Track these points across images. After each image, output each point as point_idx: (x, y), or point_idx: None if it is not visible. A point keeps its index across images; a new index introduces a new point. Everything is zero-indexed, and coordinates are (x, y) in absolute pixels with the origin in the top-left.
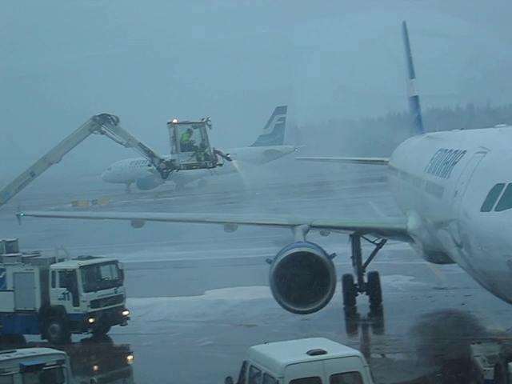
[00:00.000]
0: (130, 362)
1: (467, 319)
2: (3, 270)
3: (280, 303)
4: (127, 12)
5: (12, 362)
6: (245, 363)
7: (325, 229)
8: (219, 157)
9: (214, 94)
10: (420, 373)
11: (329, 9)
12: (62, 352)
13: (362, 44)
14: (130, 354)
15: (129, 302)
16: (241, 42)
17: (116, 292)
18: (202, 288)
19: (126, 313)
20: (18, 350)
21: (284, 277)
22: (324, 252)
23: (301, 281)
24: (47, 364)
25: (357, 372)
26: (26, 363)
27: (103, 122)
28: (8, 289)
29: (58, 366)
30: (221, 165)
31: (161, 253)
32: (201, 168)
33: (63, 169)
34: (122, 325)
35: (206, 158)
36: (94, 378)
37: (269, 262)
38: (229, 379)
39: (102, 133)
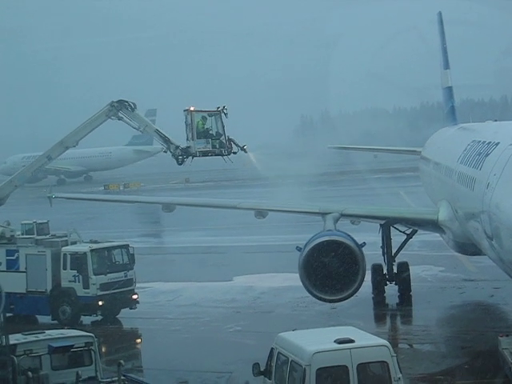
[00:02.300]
0: (155, 346)
1: (496, 311)
2: (16, 251)
3: (309, 291)
4: None
5: (40, 343)
6: (272, 350)
7: (355, 218)
8: (233, 145)
9: (238, 83)
10: (447, 364)
11: None
12: (91, 334)
13: (395, 32)
14: (158, 337)
15: (158, 286)
16: (269, 29)
17: (126, 276)
18: (231, 274)
19: (135, 296)
20: (47, 331)
21: (313, 265)
22: (354, 241)
23: (330, 269)
24: (75, 346)
25: (384, 361)
26: (55, 344)
27: (120, 107)
28: (21, 270)
29: (86, 348)
30: (235, 153)
31: (191, 238)
32: (216, 155)
33: None
34: (131, 308)
35: (221, 146)
36: (122, 361)
37: (299, 249)
38: (256, 365)
39: (119, 118)
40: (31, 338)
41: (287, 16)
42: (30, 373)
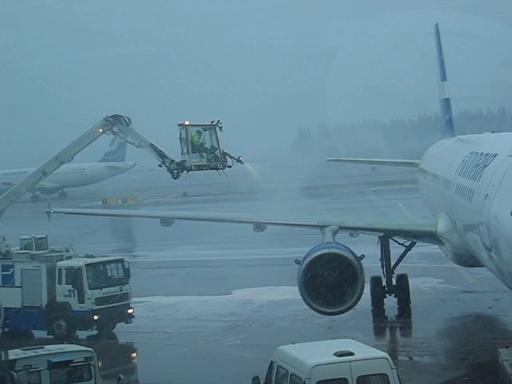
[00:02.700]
0: (154, 360)
1: (495, 323)
2: (12, 266)
3: (308, 304)
4: (142, 11)
5: (40, 358)
6: (272, 363)
7: (354, 230)
8: (228, 159)
9: (235, 96)
10: (447, 376)
11: (358, 9)
12: (90, 349)
13: (392, 45)
14: (157, 351)
15: (157, 300)
16: (266, 42)
17: (121, 290)
18: (230, 287)
19: (130, 311)
20: (46, 346)
21: (312, 278)
22: (353, 253)
23: (329, 282)
24: (75, 361)
25: (384, 374)
26: (54, 359)
27: (115, 122)
28: (16, 285)
29: (85, 363)
30: (230, 166)
31: (190, 251)
32: (211, 169)
33: None
34: (126, 322)
35: (216, 160)
36: (121, 376)
37: (297, 262)
38: (256, 379)
39: (114, 133)
40: (30, 353)
41: (284, 29)
42: None
